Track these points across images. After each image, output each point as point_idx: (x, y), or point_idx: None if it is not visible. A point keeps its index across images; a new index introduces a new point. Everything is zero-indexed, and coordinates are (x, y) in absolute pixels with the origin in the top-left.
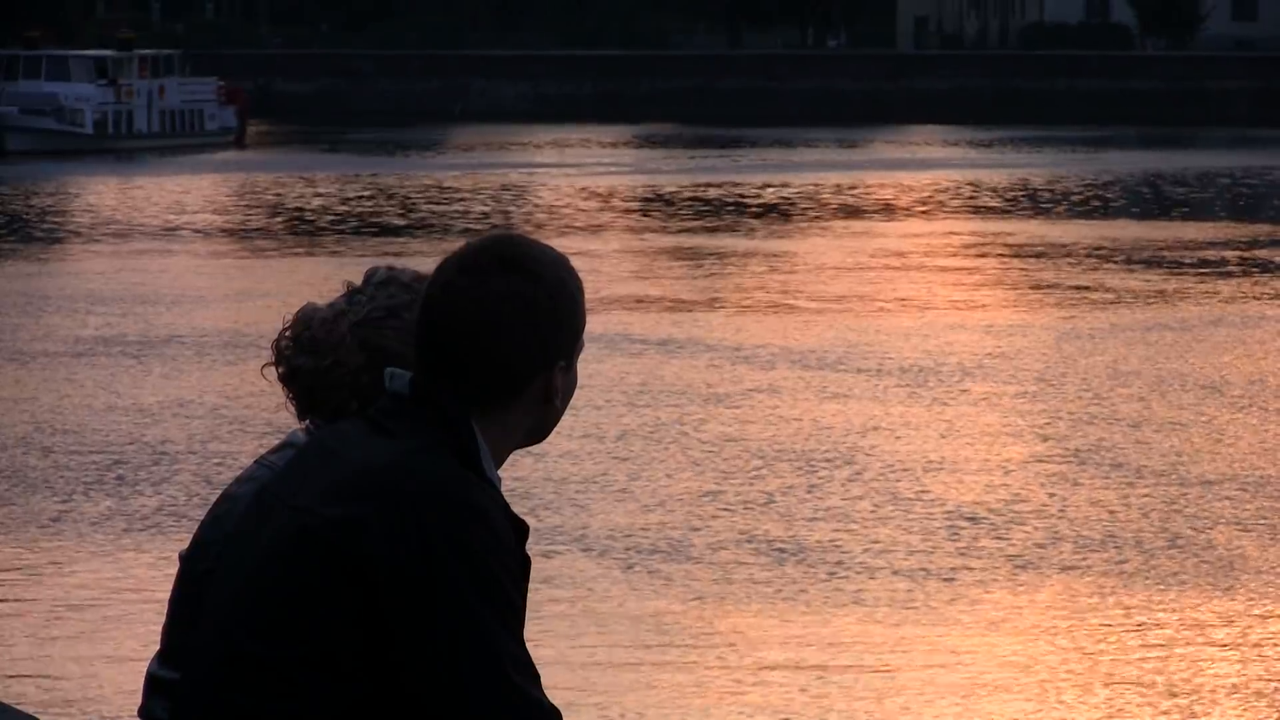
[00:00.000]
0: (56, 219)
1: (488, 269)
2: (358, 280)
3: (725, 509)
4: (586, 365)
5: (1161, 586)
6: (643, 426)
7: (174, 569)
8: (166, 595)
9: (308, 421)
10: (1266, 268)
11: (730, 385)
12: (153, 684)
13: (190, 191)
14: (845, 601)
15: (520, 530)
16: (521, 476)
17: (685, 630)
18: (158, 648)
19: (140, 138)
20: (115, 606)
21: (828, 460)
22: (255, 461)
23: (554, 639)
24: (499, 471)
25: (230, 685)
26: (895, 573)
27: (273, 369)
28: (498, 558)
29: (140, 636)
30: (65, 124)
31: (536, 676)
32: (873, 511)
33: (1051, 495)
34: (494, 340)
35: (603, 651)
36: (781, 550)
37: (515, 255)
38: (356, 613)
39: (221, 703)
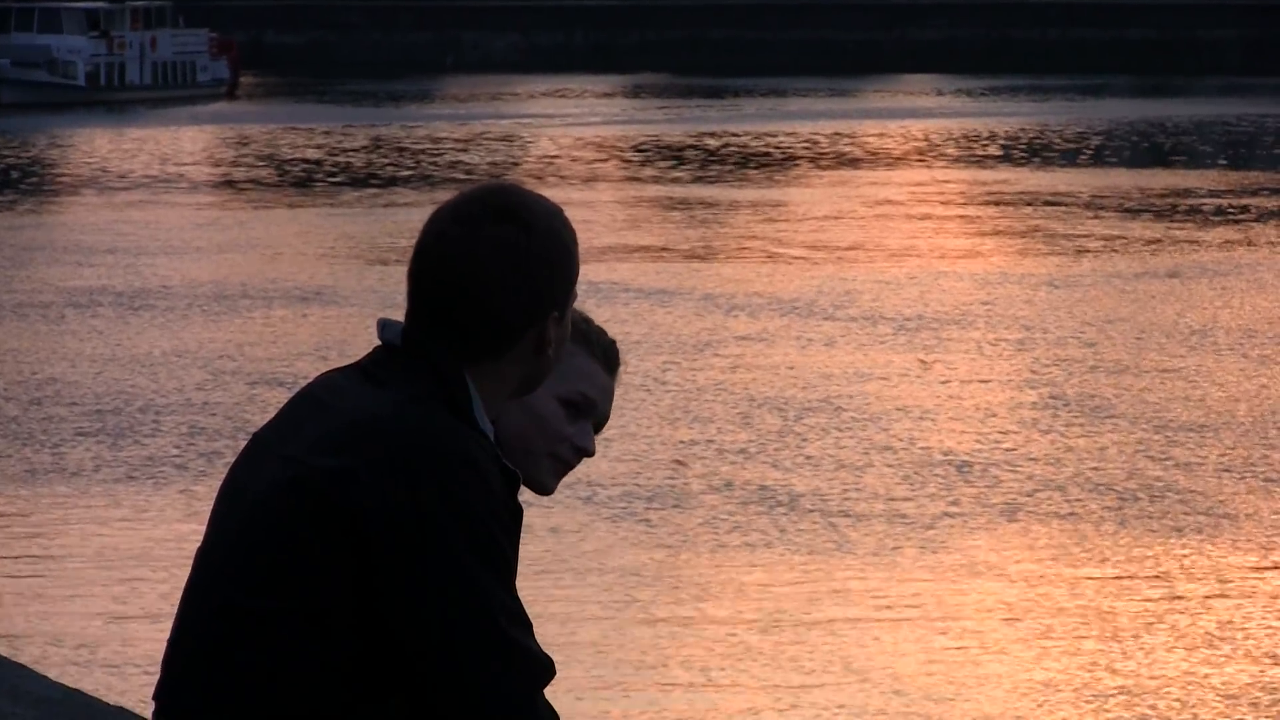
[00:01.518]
0: (49, 171)
1: (481, 219)
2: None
3: (710, 456)
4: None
5: (1147, 533)
6: (630, 375)
7: (159, 521)
8: (146, 544)
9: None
10: (1257, 216)
11: (718, 334)
12: None
13: (183, 143)
14: (829, 548)
15: (512, 480)
16: None
17: (668, 578)
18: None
19: (132, 90)
20: (104, 556)
21: (813, 408)
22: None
23: (537, 587)
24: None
25: (221, 638)
26: (879, 519)
27: None
28: (489, 508)
29: (128, 586)
30: (57, 76)
31: (529, 626)
32: (858, 459)
33: (1038, 442)
34: (487, 290)
35: (585, 599)
36: (765, 498)
37: (509, 205)
38: (347, 564)
39: (212, 655)
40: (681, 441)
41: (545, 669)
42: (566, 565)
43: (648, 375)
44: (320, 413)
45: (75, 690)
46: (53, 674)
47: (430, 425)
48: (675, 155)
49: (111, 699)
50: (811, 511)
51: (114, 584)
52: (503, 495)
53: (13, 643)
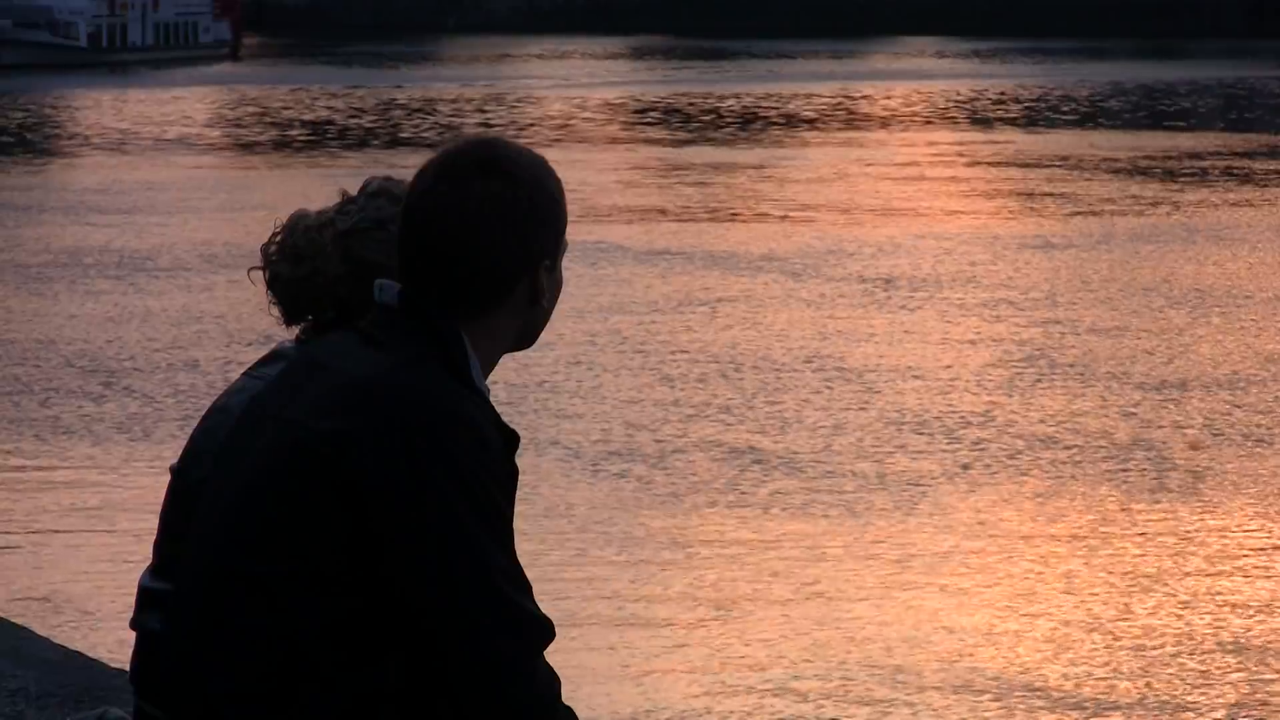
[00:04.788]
0: (50, 132)
1: (466, 173)
2: (355, 188)
3: (690, 414)
4: (568, 275)
5: (1128, 493)
6: (614, 333)
7: (158, 477)
8: (146, 501)
9: (298, 332)
10: (1256, 178)
11: (703, 293)
12: (145, 596)
13: (185, 104)
14: (811, 507)
15: (510, 440)
16: (495, 382)
17: (649, 536)
18: (150, 560)
19: (134, 51)
20: (104, 516)
21: (794, 367)
22: (244, 373)
23: (520, 546)
24: (489, 378)
25: (220, 601)
26: (858, 478)
27: (260, 273)
28: (487, 469)
29: (121, 543)
30: (59, 37)
31: (528, 587)
32: (839, 417)
33: (1025, 402)
34: (477, 244)
35: (565, 555)
36: (749, 458)
37: (493, 158)
38: (346, 526)
39: (211, 618)
40: (665, 400)
41: (545, 630)
42: (545, 522)
43: (635, 334)
44: (319, 376)
45: (76, 652)
46: (54, 636)
47: (427, 387)
48: (675, 116)
49: (111, 659)
50: (794, 471)
51: (114, 544)
52: (500, 455)
53: (13, 605)
